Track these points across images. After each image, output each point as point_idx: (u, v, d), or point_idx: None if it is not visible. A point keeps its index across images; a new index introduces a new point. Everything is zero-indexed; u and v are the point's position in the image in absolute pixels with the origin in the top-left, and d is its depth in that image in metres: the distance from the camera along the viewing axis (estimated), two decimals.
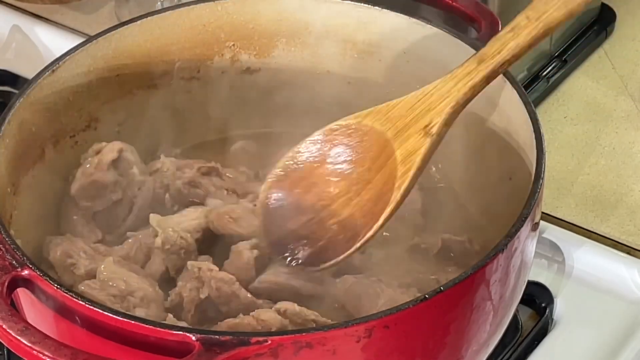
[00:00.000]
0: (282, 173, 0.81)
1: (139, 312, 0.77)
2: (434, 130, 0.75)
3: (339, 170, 0.78)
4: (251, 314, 0.75)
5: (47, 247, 0.83)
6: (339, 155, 0.79)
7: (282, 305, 0.75)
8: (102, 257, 0.82)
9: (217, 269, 0.80)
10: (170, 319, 0.76)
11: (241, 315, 0.75)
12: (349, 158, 0.78)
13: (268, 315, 0.74)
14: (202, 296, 0.78)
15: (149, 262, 0.83)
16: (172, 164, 0.89)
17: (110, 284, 0.78)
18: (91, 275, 0.80)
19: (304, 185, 0.79)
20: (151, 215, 0.83)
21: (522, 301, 0.81)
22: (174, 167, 0.89)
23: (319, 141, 0.80)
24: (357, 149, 0.78)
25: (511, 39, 0.71)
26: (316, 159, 0.79)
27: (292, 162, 0.80)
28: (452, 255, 0.84)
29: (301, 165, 0.80)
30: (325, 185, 0.78)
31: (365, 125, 0.78)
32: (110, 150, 0.88)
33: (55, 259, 0.82)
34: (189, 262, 0.80)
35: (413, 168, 0.75)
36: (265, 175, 0.90)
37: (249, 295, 0.78)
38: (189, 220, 0.84)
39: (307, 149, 0.80)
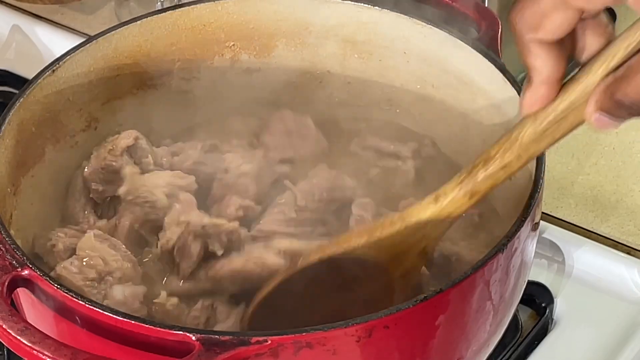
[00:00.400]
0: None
1: (117, 291, 0.77)
2: (429, 254, 0.74)
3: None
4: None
5: (37, 242, 0.83)
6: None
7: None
8: (81, 234, 0.82)
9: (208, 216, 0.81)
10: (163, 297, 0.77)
11: (238, 255, 0.78)
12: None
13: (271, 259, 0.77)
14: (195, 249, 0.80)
15: (120, 218, 0.83)
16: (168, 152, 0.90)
17: (90, 262, 0.78)
18: (69, 249, 0.80)
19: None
20: (127, 167, 0.83)
21: (522, 301, 0.81)
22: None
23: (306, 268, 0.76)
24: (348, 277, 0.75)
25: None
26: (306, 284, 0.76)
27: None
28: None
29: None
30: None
31: (357, 255, 0.75)
32: (126, 136, 0.88)
33: (39, 247, 0.82)
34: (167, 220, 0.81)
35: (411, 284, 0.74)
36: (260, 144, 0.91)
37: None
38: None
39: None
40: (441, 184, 0.73)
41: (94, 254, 0.78)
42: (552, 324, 0.94)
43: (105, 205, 0.88)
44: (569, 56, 0.64)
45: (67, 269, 0.77)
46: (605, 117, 0.62)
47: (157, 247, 0.82)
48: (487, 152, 0.69)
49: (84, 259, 0.78)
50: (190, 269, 0.80)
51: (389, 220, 0.73)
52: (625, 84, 0.60)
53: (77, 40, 0.94)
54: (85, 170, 0.87)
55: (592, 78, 0.63)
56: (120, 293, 0.77)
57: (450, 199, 0.70)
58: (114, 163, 0.87)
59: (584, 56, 0.64)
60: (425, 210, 0.71)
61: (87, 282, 0.77)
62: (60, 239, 0.82)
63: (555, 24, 0.62)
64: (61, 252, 0.81)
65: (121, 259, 0.79)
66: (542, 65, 0.64)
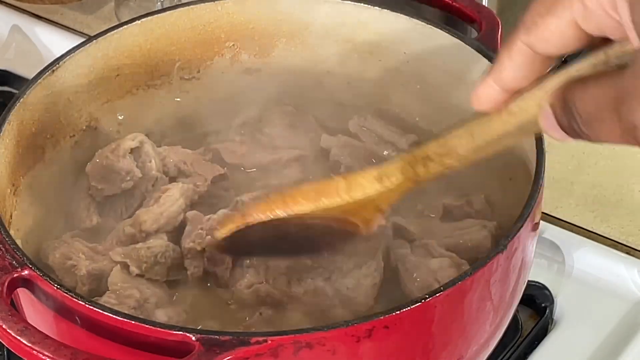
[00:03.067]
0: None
1: (160, 314, 0.77)
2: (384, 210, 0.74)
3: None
4: None
5: (45, 251, 0.82)
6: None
7: None
8: (101, 256, 0.82)
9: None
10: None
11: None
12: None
13: None
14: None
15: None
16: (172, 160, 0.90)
17: (125, 293, 0.78)
18: (92, 275, 0.80)
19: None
20: (113, 251, 0.82)
21: (522, 301, 0.81)
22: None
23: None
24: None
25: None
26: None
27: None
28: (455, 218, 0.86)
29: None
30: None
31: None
32: (132, 138, 0.89)
33: (55, 262, 0.81)
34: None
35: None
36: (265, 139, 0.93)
37: None
38: (167, 208, 0.84)
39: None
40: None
41: (126, 285, 0.79)
42: (552, 324, 0.93)
43: (105, 204, 0.88)
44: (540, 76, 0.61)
45: (108, 302, 0.77)
46: (552, 119, 0.59)
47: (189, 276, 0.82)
48: (423, 150, 0.68)
49: (118, 291, 0.78)
50: (228, 273, 0.81)
51: (334, 187, 0.72)
52: (580, 91, 0.57)
53: (77, 40, 0.94)
54: (87, 166, 0.88)
55: (540, 93, 0.60)
56: (163, 315, 0.77)
57: (392, 181, 0.70)
58: (115, 163, 0.87)
59: None
60: (370, 186, 0.71)
61: (131, 310, 0.77)
62: (81, 260, 0.81)
63: (561, 40, 0.58)
64: (84, 279, 0.80)
65: (152, 286, 0.79)
66: (511, 70, 0.60)
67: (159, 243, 0.82)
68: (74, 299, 0.67)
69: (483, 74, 0.63)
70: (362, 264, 0.79)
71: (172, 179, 0.89)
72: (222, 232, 0.76)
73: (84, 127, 0.90)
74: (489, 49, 0.86)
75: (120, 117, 0.93)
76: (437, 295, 0.67)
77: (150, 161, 0.88)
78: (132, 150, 0.88)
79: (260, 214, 0.74)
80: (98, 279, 0.80)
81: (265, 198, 0.76)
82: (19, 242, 0.72)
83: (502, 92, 0.61)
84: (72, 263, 0.81)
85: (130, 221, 0.84)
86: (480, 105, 0.63)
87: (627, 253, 0.99)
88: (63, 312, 0.68)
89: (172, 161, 0.90)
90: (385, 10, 0.91)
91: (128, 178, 0.87)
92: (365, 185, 0.71)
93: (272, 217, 0.73)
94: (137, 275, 0.80)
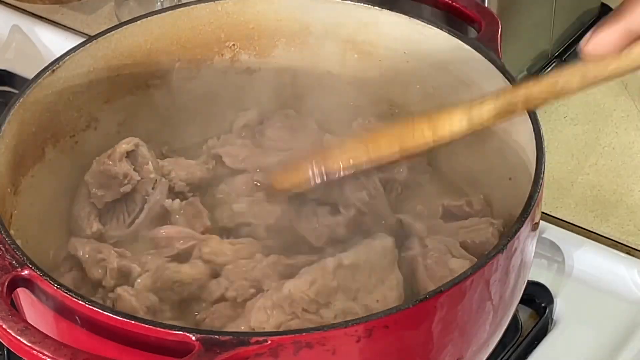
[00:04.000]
0: None
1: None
2: None
3: None
4: None
5: (73, 244, 0.83)
6: None
7: None
8: (128, 258, 0.82)
9: None
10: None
11: None
12: None
13: None
14: None
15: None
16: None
17: (145, 295, 0.78)
18: (121, 272, 0.80)
19: None
20: (154, 254, 0.82)
21: (522, 301, 0.81)
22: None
23: None
24: None
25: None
26: None
27: None
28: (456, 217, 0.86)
29: None
30: None
31: None
32: (127, 142, 0.88)
33: (86, 253, 0.82)
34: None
35: None
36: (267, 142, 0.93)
37: None
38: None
39: None
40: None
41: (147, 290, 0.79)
42: (552, 324, 0.94)
43: (107, 210, 0.88)
44: None
45: (127, 291, 0.78)
46: None
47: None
48: (527, 90, 0.70)
49: (140, 290, 0.79)
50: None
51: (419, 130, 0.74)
52: None
53: (77, 40, 0.94)
54: (86, 174, 0.88)
55: None
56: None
57: (483, 122, 0.72)
58: (112, 168, 0.87)
59: None
60: (458, 126, 0.73)
61: (144, 308, 0.77)
62: (111, 256, 0.81)
63: None
64: (114, 272, 0.80)
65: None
66: None
67: (192, 272, 0.81)
68: (74, 299, 0.67)
69: (599, 23, 0.64)
70: (384, 280, 0.79)
71: (179, 194, 0.89)
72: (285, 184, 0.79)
73: (84, 127, 0.90)
74: (489, 49, 0.86)
75: (120, 118, 0.92)
76: (437, 295, 0.67)
77: (147, 163, 0.88)
78: (128, 154, 0.88)
79: (338, 162, 0.73)
80: (126, 276, 0.81)
81: (341, 145, 0.76)
82: (19, 242, 0.72)
83: (624, 37, 0.63)
84: (102, 257, 0.81)
85: None
86: (598, 50, 0.64)
87: (627, 253, 0.99)
88: (63, 312, 0.68)
89: (177, 176, 0.90)
90: (385, 10, 0.91)
91: (126, 181, 0.87)
92: (454, 125, 0.71)
93: (351, 165, 0.72)
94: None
